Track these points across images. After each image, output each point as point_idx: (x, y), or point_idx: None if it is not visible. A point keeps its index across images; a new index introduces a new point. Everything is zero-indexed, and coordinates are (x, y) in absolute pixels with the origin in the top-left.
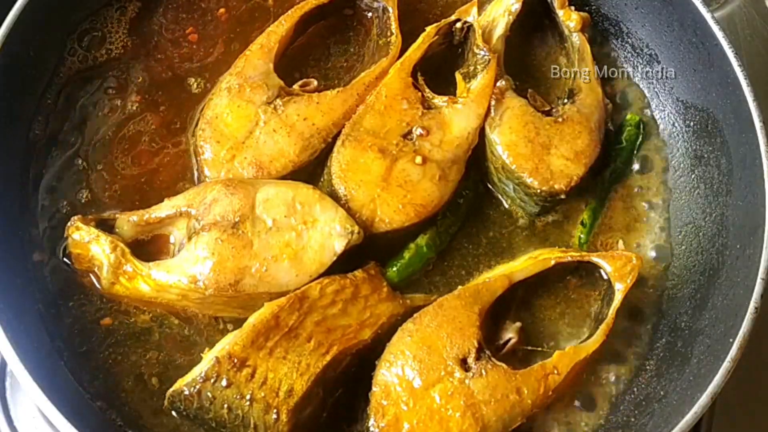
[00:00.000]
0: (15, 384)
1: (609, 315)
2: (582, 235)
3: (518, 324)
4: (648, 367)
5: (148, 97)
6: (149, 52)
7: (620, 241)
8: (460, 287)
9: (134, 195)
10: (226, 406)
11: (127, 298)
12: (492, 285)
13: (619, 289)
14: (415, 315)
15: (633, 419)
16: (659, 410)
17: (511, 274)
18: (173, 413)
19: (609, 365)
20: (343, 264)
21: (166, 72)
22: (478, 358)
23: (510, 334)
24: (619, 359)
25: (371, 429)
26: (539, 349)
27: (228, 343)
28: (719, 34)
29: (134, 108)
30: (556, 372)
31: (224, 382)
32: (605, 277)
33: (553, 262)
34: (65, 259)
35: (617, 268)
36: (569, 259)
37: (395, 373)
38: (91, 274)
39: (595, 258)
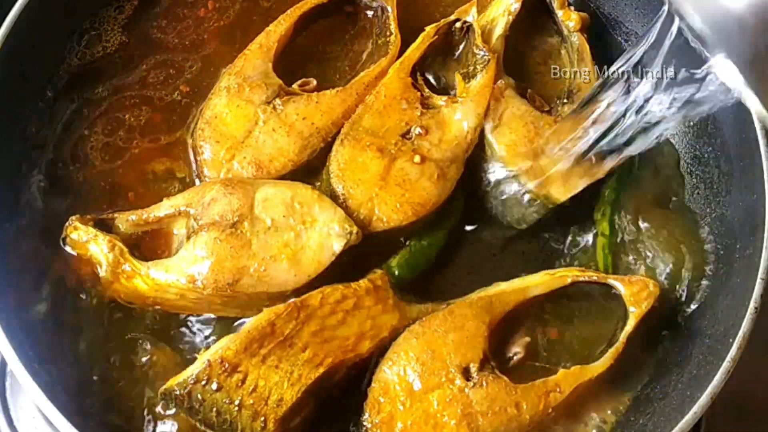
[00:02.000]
0: (15, 384)
1: (620, 339)
2: (605, 250)
3: (527, 339)
4: (648, 367)
5: (147, 92)
6: (146, 49)
7: (642, 267)
8: (473, 296)
9: (131, 191)
10: (215, 409)
11: (126, 297)
12: (505, 298)
13: (633, 313)
14: (424, 318)
15: (633, 419)
16: (659, 410)
17: (526, 289)
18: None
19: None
20: (347, 266)
21: (165, 67)
22: (481, 369)
23: (517, 349)
24: (620, 360)
25: (364, 423)
26: (546, 366)
27: (221, 347)
28: None
29: (134, 102)
30: (558, 390)
31: (214, 386)
32: (621, 299)
33: (569, 280)
34: (63, 259)
35: (633, 293)
36: (586, 278)
37: (396, 372)
38: (89, 274)
39: (611, 280)
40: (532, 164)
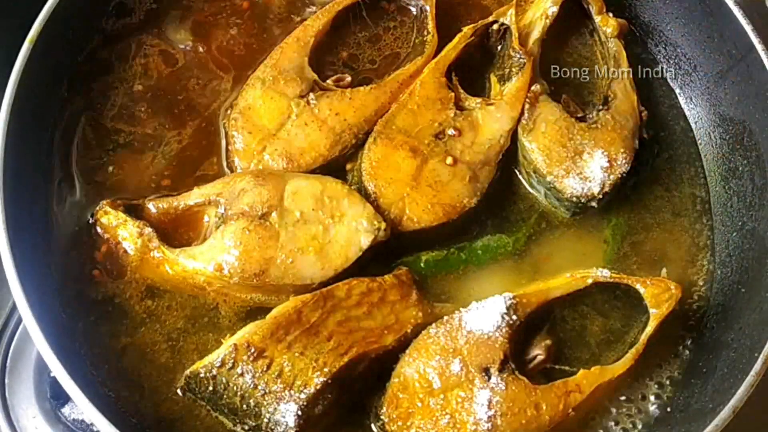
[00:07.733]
0: (15, 384)
1: (640, 340)
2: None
3: (548, 342)
4: (671, 378)
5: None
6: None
7: (664, 269)
8: (495, 297)
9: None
10: (239, 393)
11: (153, 282)
12: (527, 299)
13: (654, 315)
14: (445, 317)
15: (654, 428)
16: (680, 420)
17: (548, 290)
18: (188, 394)
19: (633, 375)
20: (374, 266)
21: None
22: (501, 370)
23: (538, 351)
24: (643, 369)
25: (382, 417)
26: (566, 368)
27: (248, 332)
28: (759, 47)
29: (154, 70)
30: (578, 390)
31: (239, 370)
32: (643, 302)
33: (590, 281)
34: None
35: (654, 295)
36: (607, 279)
37: (416, 368)
38: (117, 258)
39: (632, 282)
40: (568, 168)
